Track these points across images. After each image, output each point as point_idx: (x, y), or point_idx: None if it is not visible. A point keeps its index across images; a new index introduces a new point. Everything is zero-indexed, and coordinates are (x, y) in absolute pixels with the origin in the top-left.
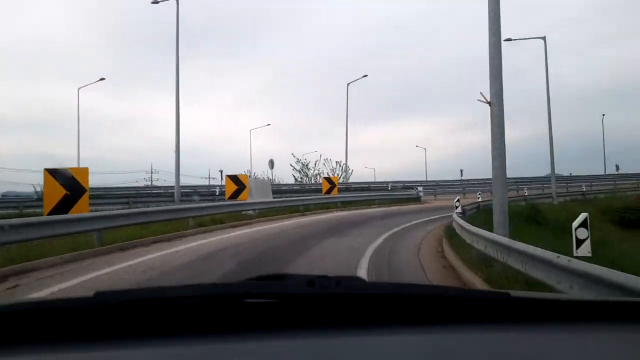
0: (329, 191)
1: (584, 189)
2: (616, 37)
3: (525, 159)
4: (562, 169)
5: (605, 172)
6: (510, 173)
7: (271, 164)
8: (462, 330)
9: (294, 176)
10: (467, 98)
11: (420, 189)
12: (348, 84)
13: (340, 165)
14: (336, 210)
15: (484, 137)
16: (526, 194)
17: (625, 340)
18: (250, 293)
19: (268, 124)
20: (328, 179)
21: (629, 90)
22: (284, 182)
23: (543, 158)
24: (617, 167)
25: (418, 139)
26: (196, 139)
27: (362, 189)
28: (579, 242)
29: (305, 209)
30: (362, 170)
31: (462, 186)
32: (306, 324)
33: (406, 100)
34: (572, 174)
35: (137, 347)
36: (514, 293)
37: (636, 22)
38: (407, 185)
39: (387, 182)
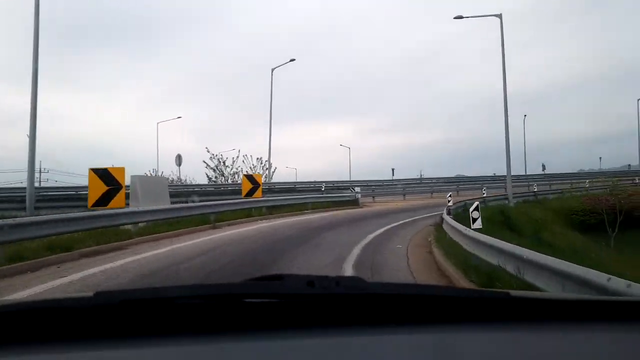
0: (251, 192)
1: (536, 189)
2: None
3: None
4: (487, 170)
5: (525, 172)
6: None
7: (178, 159)
8: (462, 329)
9: (208, 175)
10: (391, 101)
11: (357, 189)
12: (273, 69)
13: (261, 163)
14: (262, 219)
15: (407, 139)
16: (484, 195)
17: (624, 339)
18: (250, 293)
19: (179, 117)
20: (250, 177)
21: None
22: (196, 183)
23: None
24: (544, 167)
25: (339, 140)
26: (105, 137)
27: (288, 190)
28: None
29: (218, 219)
30: (284, 170)
31: (403, 186)
32: (306, 324)
33: (328, 102)
34: (496, 174)
35: (137, 346)
36: (514, 293)
37: (550, 30)
38: (341, 186)
39: (321, 182)
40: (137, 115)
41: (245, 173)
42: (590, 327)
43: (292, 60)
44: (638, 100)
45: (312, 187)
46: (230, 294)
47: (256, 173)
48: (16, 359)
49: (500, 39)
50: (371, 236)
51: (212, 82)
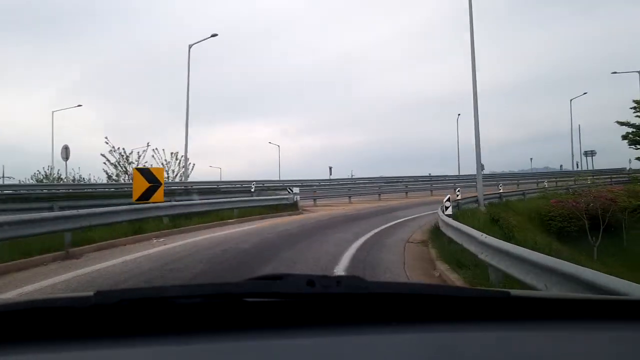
0: (147, 195)
1: (501, 190)
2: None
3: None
4: (418, 171)
5: (459, 172)
6: None
7: (65, 152)
8: (463, 328)
9: (107, 173)
10: (319, 103)
11: (296, 190)
12: (190, 46)
13: (177, 159)
14: (162, 236)
15: (335, 140)
16: (458, 197)
17: (624, 339)
18: (250, 292)
19: (79, 105)
20: (145, 172)
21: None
22: (95, 182)
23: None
24: (483, 167)
25: (268, 140)
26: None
27: (211, 192)
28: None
29: (87, 239)
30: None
31: (349, 187)
32: (306, 323)
33: (250, 102)
34: (431, 174)
35: (138, 346)
36: (514, 292)
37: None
38: (275, 186)
39: (250, 182)
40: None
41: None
42: (590, 326)
43: (214, 35)
44: (571, 100)
45: (240, 188)
46: (230, 294)
47: (156, 167)
48: (16, 358)
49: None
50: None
51: (128, 75)
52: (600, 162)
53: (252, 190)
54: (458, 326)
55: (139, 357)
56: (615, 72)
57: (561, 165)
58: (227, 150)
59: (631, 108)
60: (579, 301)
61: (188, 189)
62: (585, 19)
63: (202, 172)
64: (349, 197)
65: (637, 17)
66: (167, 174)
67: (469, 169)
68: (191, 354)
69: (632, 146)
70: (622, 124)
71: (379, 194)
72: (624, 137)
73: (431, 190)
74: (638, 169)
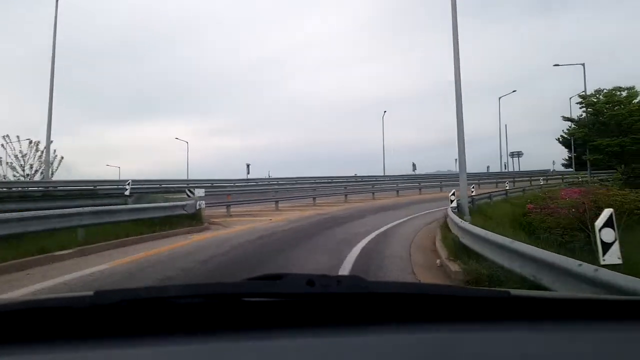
0: None
1: (474, 193)
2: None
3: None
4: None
5: (384, 173)
6: None
7: None
8: (463, 328)
9: None
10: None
11: (199, 193)
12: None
13: (37, 149)
14: None
15: (246, 141)
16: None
17: (624, 339)
18: (250, 292)
19: None
20: None
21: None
22: None
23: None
24: (414, 166)
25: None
26: None
27: (80, 195)
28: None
29: None
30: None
31: (274, 188)
32: (306, 323)
33: (169, 101)
34: (357, 175)
35: (137, 346)
36: (514, 292)
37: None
38: (169, 188)
39: (126, 181)
40: None
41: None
42: (590, 326)
43: None
44: (499, 98)
45: (115, 191)
46: (229, 294)
47: None
48: (15, 358)
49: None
50: None
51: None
52: (525, 164)
53: (127, 193)
54: (458, 326)
55: (139, 358)
56: (557, 65)
57: (488, 167)
58: (137, 149)
59: (577, 103)
60: (580, 301)
61: (49, 193)
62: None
63: (98, 172)
64: (276, 202)
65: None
66: (23, 170)
67: (395, 170)
68: (190, 354)
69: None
70: (566, 119)
71: (314, 198)
72: (567, 136)
73: (373, 192)
74: (562, 171)
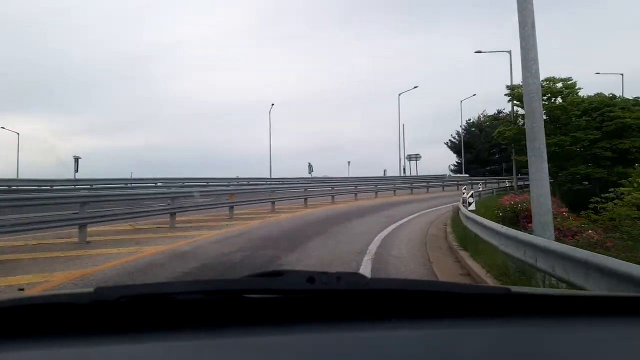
0: None
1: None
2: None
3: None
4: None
5: (270, 175)
6: None
7: None
8: (463, 325)
9: None
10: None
11: None
12: None
13: None
14: None
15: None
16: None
17: (626, 335)
18: (250, 289)
19: None
20: None
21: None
22: None
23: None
24: (310, 167)
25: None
26: None
27: None
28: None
29: None
30: None
31: (170, 193)
32: (306, 319)
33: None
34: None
35: (137, 342)
36: (514, 289)
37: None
38: None
39: None
40: None
41: None
42: (591, 322)
43: None
44: (399, 94)
45: None
46: (230, 290)
47: None
48: (16, 355)
49: None
50: None
51: None
52: (423, 169)
53: None
54: (458, 323)
55: (139, 353)
56: (479, 51)
57: (385, 170)
58: None
59: (505, 94)
60: (580, 298)
61: None
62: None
63: None
64: (172, 213)
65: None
66: None
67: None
68: (191, 350)
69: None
70: (495, 117)
71: (232, 207)
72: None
73: (306, 198)
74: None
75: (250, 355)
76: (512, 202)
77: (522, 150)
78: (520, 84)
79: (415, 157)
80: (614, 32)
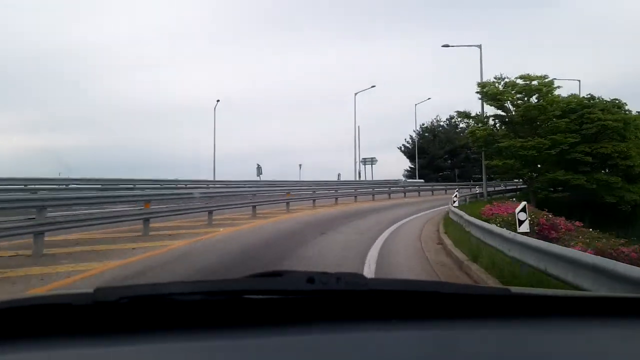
0: None
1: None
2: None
3: None
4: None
5: (214, 178)
6: None
7: None
8: (463, 326)
9: None
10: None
11: None
12: None
13: None
14: None
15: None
16: None
17: (626, 336)
18: (250, 289)
19: None
20: None
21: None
22: None
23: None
24: (259, 169)
25: None
26: None
27: None
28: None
29: None
30: None
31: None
32: (306, 320)
33: None
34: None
35: (137, 343)
36: (514, 289)
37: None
38: None
39: None
40: None
41: None
42: (591, 323)
43: None
44: (355, 94)
45: None
46: (230, 291)
47: None
48: (15, 356)
49: None
50: None
51: None
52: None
53: None
54: (458, 323)
55: (139, 355)
56: (446, 45)
57: (339, 175)
58: None
59: (476, 92)
60: (580, 299)
61: None
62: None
63: None
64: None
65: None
66: None
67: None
68: (191, 351)
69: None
70: (460, 114)
71: (146, 220)
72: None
73: (254, 206)
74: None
75: (250, 356)
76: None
77: (499, 153)
78: (493, 80)
79: (371, 161)
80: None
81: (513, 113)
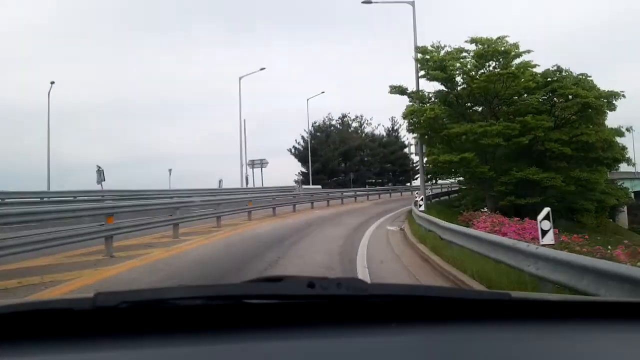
0: None
1: None
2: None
3: None
4: None
5: (48, 187)
6: None
7: None
8: (464, 330)
9: None
10: None
11: None
12: None
13: None
14: None
15: None
16: None
17: (624, 340)
18: (250, 294)
19: None
20: None
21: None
22: None
23: None
24: (100, 174)
25: None
26: None
27: None
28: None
29: None
30: None
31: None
32: (306, 325)
33: None
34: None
35: (137, 348)
36: (515, 294)
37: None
38: None
39: None
40: None
41: None
42: (591, 327)
43: None
44: (240, 78)
45: None
46: (230, 295)
47: None
48: None
49: None
50: None
51: None
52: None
53: None
54: (458, 328)
55: (139, 359)
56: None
57: (220, 180)
58: None
59: (417, 60)
60: (580, 303)
61: None
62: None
63: None
64: None
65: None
66: None
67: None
68: (191, 356)
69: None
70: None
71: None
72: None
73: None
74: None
75: None
76: None
77: (447, 143)
78: (431, 48)
79: (260, 163)
80: None
81: (461, 89)
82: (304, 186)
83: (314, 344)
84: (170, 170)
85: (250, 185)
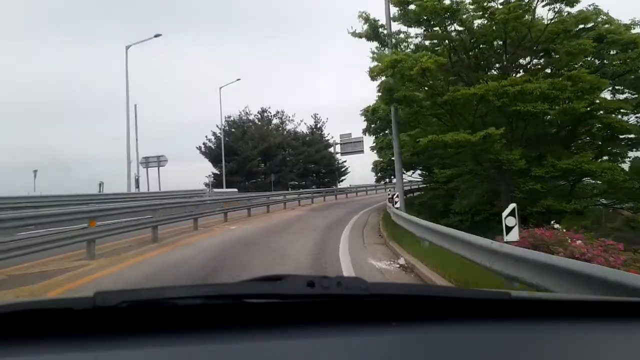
0: None
1: None
2: None
3: None
4: None
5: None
6: None
7: None
8: (464, 329)
9: None
10: None
11: None
12: None
13: None
14: None
15: None
16: None
17: (625, 339)
18: (251, 293)
19: None
20: None
21: None
22: None
23: None
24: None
25: None
26: None
27: None
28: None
29: None
30: None
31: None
32: (306, 324)
33: None
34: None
35: (137, 347)
36: (514, 293)
37: None
38: None
39: None
40: None
41: None
42: (591, 326)
43: None
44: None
45: None
46: (230, 295)
47: None
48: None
49: None
50: None
51: None
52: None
53: None
54: (458, 327)
55: (140, 359)
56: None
57: (101, 184)
58: None
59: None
60: (580, 302)
61: None
62: None
63: None
64: None
65: None
66: None
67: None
68: (191, 355)
69: None
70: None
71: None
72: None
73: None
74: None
75: None
76: None
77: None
78: None
79: (157, 161)
80: None
81: (476, 28)
82: (216, 190)
83: (314, 342)
84: (35, 171)
85: (144, 189)
